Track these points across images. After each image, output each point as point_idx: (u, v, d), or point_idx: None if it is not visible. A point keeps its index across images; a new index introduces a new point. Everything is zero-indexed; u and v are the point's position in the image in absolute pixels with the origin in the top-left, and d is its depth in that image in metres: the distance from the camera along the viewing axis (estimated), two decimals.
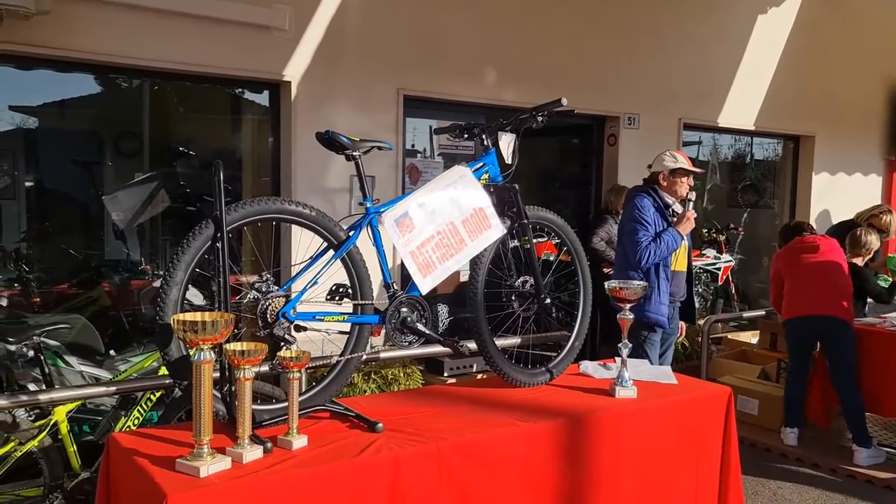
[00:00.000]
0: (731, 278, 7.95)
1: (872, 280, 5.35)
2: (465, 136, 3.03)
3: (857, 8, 7.89)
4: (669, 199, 4.29)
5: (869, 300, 5.59)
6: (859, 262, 5.31)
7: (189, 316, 1.91)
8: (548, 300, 3.08)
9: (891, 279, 5.87)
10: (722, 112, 7.06)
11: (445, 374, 5.00)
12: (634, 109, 6.37)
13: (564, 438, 2.71)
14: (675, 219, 4.24)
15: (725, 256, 7.95)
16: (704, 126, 7.25)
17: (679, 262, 4.34)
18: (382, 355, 3.77)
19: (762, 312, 6.53)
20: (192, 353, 1.91)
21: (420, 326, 2.64)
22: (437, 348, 3.29)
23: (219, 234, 2.12)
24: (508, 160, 2.98)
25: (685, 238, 4.29)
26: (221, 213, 2.13)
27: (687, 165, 4.23)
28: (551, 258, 6.09)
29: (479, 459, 2.45)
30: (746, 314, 6.75)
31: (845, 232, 5.77)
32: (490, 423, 2.61)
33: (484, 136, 2.94)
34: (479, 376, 4.82)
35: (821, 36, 7.68)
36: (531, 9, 5.79)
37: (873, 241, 5.36)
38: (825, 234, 6.73)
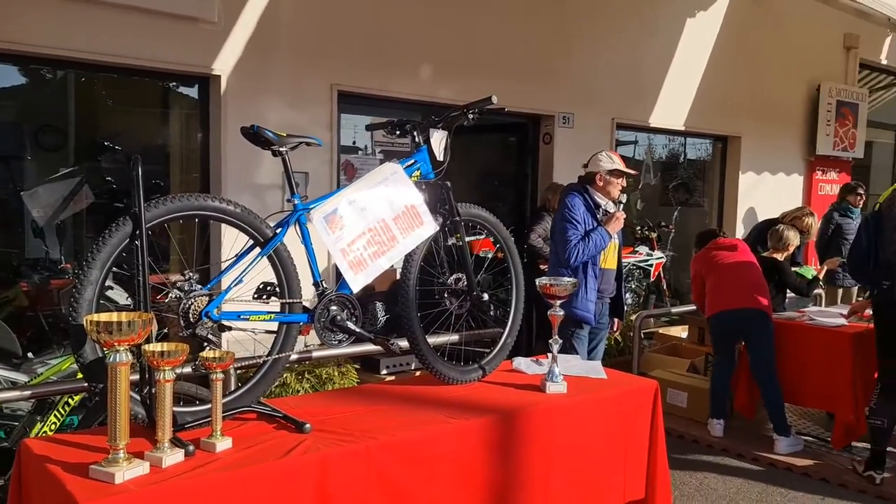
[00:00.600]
0: (662, 275, 8.15)
1: (791, 273, 5.57)
2: (398, 132, 3.01)
3: (782, 12, 8.18)
4: (601, 199, 4.35)
5: (789, 294, 5.82)
6: (779, 256, 5.53)
7: (104, 316, 1.83)
8: (485, 297, 3.10)
9: (814, 269, 6.13)
10: (653, 112, 7.22)
11: (382, 373, 4.96)
12: (569, 109, 6.45)
13: (496, 434, 2.73)
14: (605, 218, 4.30)
15: (657, 253, 8.15)
16: (636, 126, 7.41)
17: (608, 261, 4.41)
18: (315, 354, 3.72)
19: (692, 308, 6.71)
20: (107, 354, 1.84)
21: (350, 325, 2.62)
22: (369, 347, 3.26)
23: (137, 232, 2.05)
24: (440, 157, 2.98)
25: (615, 237, 4.36)
26: (140, 209, 2.06)
27: (622, 167, 4.30)
28: (489, 255, 6.15)
29: (409, 458, 2.44)
30: (676, 309, 6.91)
31: (769, 229, 5.99)
32: (421, 421, 2.61)
33: (415, 133, 2.92)
34: (417, 374, 4.81)
35: (747, 39, 7.94)
36: (469, 7, 5.81)
37: (793, 237, 5.59)
38: (751, 231, 7.00)
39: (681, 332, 7.19)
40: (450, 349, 3.32)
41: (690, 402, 5.52)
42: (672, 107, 7.38)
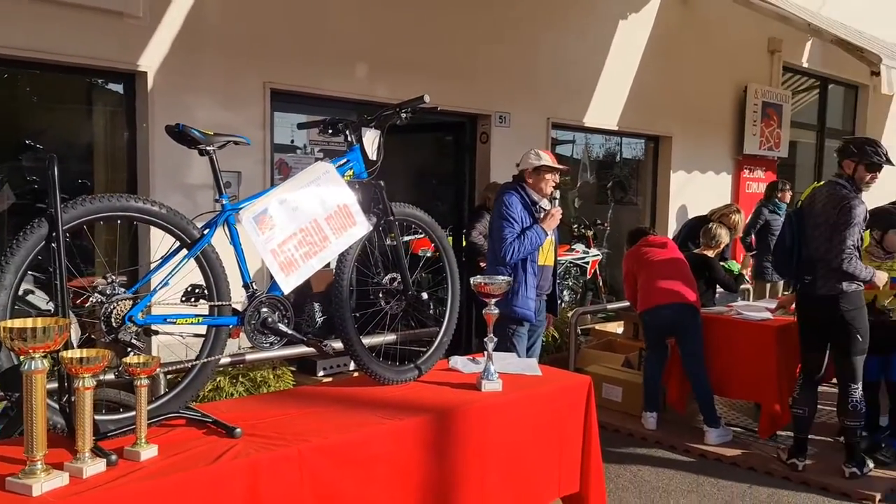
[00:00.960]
0: (598, 272, 8.30)
1: (721, 270, 5.75)
2: (330, 131, 2.98)
3: (709, 16, 8.42)
4: (536, 197, 4.38)
5: (719, 289, 6.00)
6: (710, 253, 5.70)
7: (17, 322, 1.76)
8: (424, 296, 3.10)
9: (739, 265, 6.36)
10: (587, 112, 7.34)
11: (319, 375, 4.92)
12: (505, 108, 6.50)
13: (431, 434, 2.73)
14: (542, 215, 4.34)
15: (593, 251, 8.29)
16: (572, 126, 7.52)
17: (546, 257, 4.44)
18: (248, 357, 3.66)
19: (627, 304, 6.85)
20: (22, 362, 1.77)
21: (282, 327, 2.58)
22: (303, 349, 3.21)
23: (54, 234, 1.97)
24: (373, 157, 2.96)
25: (552, 234, 4.41)
26: (57, 210, 1.98)
27: (551, 163, 4.33)
28: (427, 254, 6.14)
29: (343, 460, 2.42)
30: (612, 305, 7.04)
31: (699, 226, 6.18)
32: (356, 423, 2.59)
33: (348, 133, 2.90)
34: (355, 375, 4.77)
35: (677, 42, 8.14)
36: (406, 5, 5.79)
37: (724, 235, 5.77)
38: (681, 228, 7.20)
39: (616, 328, 7.35)
40: (393, 349, 3.32)
41: (625, 396, 5.63)
42: (606, 107, 7.51)
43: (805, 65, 10.26)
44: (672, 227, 8.25)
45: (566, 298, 7.84)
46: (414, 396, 2.94)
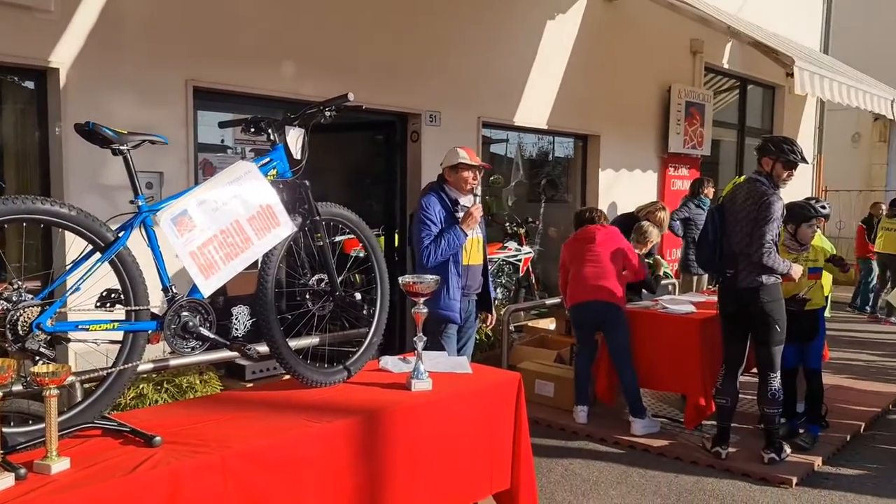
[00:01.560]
0: (531, 269, 8.39)
1: (647, 269, 5.88)
2: (253, 130, 2.92)
3: (634, 17, 8.61)
4: (457, 195, 4.34)
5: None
6: (639, 251, 5.82)
7: None
8: (357, 296, 3.06)
9: (667, 264, 6.53)
10: (517, 111, 7.41)
11: (248, 379, 4.81)
12: (436, 107, 6.50)
13: (360, 435, 2.71)
14: (462, 215, 4.28)
15: (526, 248, 8.38)
16: (502, 125, 7.57)
17: (472, 256, 4.38)
18: (173, 363, 3.55)
19: (559, 300, 6.95)
20: None
21: (204, 331, 2.51)
22: (226, 353, 3.14)
23: None
24: (297, 156, 2.92)
25: (476, 231, 4.37)
26: None
27: (469, 160, 4.27)
28: (361, 255, 6.09)
29: (269, 465, 2.38)
30: (545, 301, 7.12)
31: (626, 223, 6.30)
32: (282, 427, 2.55)
33: (270, 131, 2.85)
34: (286, 378, 4.68)
35: (603, 42, 8.30)
36: (335, 2, 5.72)
37: (654, 234, 5.92)
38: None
39: (549, 324, 7.44)
40: (327, 350, 3.27)
41: (557, 391, 5.71)
42: (535, 106, 7.60)
43: (725, 66, 10.62)
44: None
45: (499, 297, 7.89)
46: (343, 398, 2.91)
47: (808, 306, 4.86)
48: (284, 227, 2.76)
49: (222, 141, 6.36)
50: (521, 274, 8.34)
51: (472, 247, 4.36)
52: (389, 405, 2.84)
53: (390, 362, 3.44)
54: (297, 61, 5.43)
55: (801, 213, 4.91)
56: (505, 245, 8.20)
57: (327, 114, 2.87)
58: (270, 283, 2.75)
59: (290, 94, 5.28)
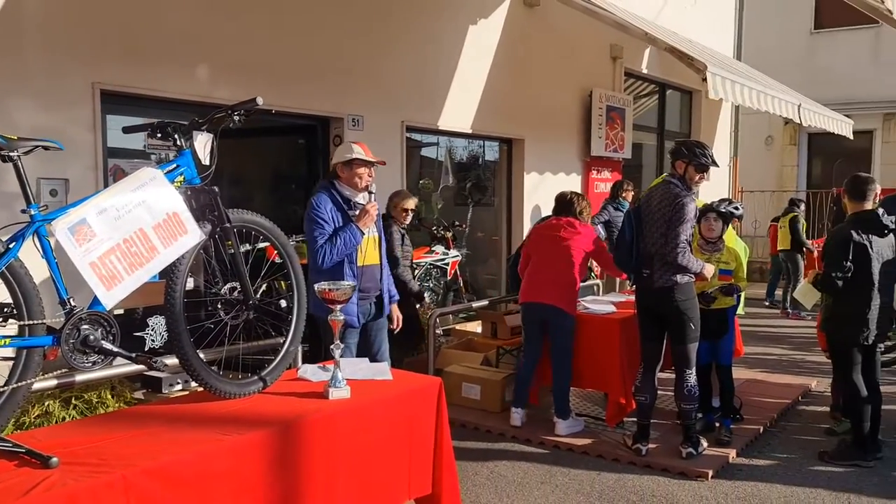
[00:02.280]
0: (459, 272, 8.42)
1: None
2: (159, 135, 2.83)
3: (555, 23, 8.76)
4: (350, 193, 4.14)
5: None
6: None
7: None
8: (283, 303, 2.99)
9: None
10: (442, 115, 7.43)
11: (165, 391, 4.65)
12: (358, 111, 6.45)
13: (275, 446, 2.65)
14: (358, 213, 4.11)
15: (453, 252, 8.40)
16: (426, 129, 7.58)
17: (368, 256, 4.20)
18: (79, 378, 3.39)
19: (485, 303, 7.00)
20: None
21: (106, 345, 2.42)
22: (132, 367, 3.02)
23: None
24: (206, 161, 2.84)
25: (373, 231, 4.22)
26: None
27: (364, 156, 4.10)
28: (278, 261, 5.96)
29: (176, 482, 2.30)
30: (472, 305, 7.14)
31: None
32: (192, 441, 2.47)
33: (177, 137, 2.77)
34: (201, 390, 4.55)
35: (525, 47, 8.41)
36: (253, 4, 5.61)
37: None
38: (534, 226, 7.40)
39: (477, 327, 7.47)
40: (247, 360, 3.18)
41: (483, 394, 5.74)
42: (459, 110, 7.63)
43: (645, 71, 10.91)
44: (527, 228, 8.50)
45: (427, 300, 7.89)
46: (257, 409, 2.85)
47: (718, 305, 5.02)
48: (193, 235, 2.68)
49: (145, 147, 6.14)
50: (448, 278, 8.36)
51: (368, 246, 4.18)
52: (306, 415, 2.80)
53: (309, 371, 3.38)
54: (213, 64, 5.30)
55: (702, 211, 5.08)
56: (432, 249, 8.20)
57: (236, 118, 2.81)
58: (179, 294, 2.67)
59: (206, 98, 5.14)
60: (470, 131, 7.90)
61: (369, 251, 4.20)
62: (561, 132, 9.23)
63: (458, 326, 7.62)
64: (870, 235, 4.56)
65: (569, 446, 4.97)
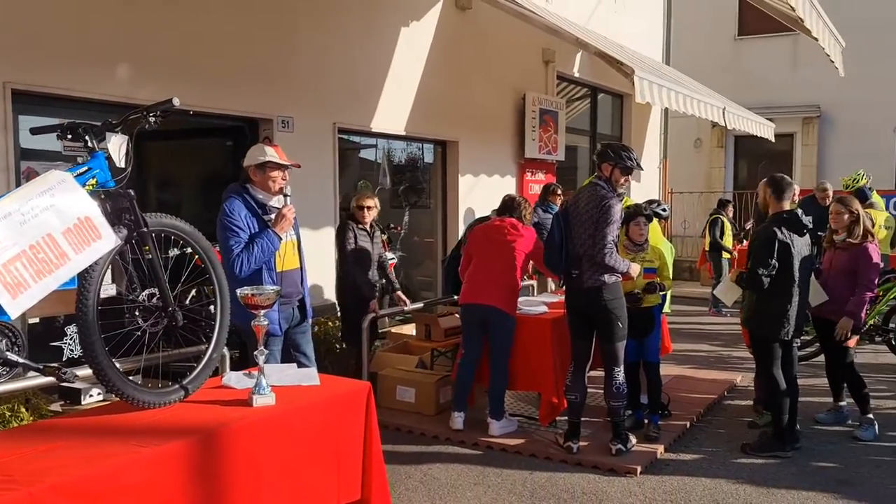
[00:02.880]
0: (395, 275, 8.36)
1: None
2: (70, 137, 2.72)
3: (488, 26, 8.83)
4: (264, 196, 3.99)
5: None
6: None
7: None
8: (212, 308, 2.90)
9: None
10: (374, 117, 7.39)
11: (84, 402, 4.48)
12: (288, 112, 6.36)
13: (195, 457, 2.58)
14: (273, 218, 3.96)
15: (388, 254, 8.35)
16: (359, 131, 7.53)
17: (287, 261, 4.06)
18: None
19: (420, 305, 6.98)
20: None
21: (11, 356, 2.31)
22: (40, 380, 2.89)
23: None
24: (121, 164, 2.74)
25: (291, 234, 4.09)
26: None
27: (277, 158, 3.95)
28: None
29: (89, 497, 2.21)
30: (405, 308, 7.10)
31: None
32: (106, 454, 2.38)
33: (88, 138, 2.66)
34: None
35: (458, 50, 8.45)
36: (178, 2, 5.46)
37: None
38: (466, 229, 7.44)
39: (412, 329, 7.45)
40: (172, 369, 3.08)
41: (418, 396, 5.73)
42: (392, 112, 7.61)
43: (577, 75, 11.11)
44: (462, 229, 8.53)
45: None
46: (177, 418, 2.77)
47: (644, 304, 5.13)
48: (107, 241, 2.58)
49: (63, 149, 5.92)
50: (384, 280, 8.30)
51: (287, 251, 4.05)
52: (228, 423, 2.73)
53: (234, 378, 3.31)
54: (134, 64, 5.14)
55: (627, 214, 5.19)
56: None
57: (151, 119, 2.72)
58: (91, 301, 2.56)
59: (126, 99, 4.98)
60: (404, 133, 7.89)
61: (288, 256, 4.06)
62: (495, 134, 9.31)
63: (393, 329, 7.59)
64: (791, 234, 4.73)
65: (502, 447, 5.00)
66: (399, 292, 6.44)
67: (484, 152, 9.10)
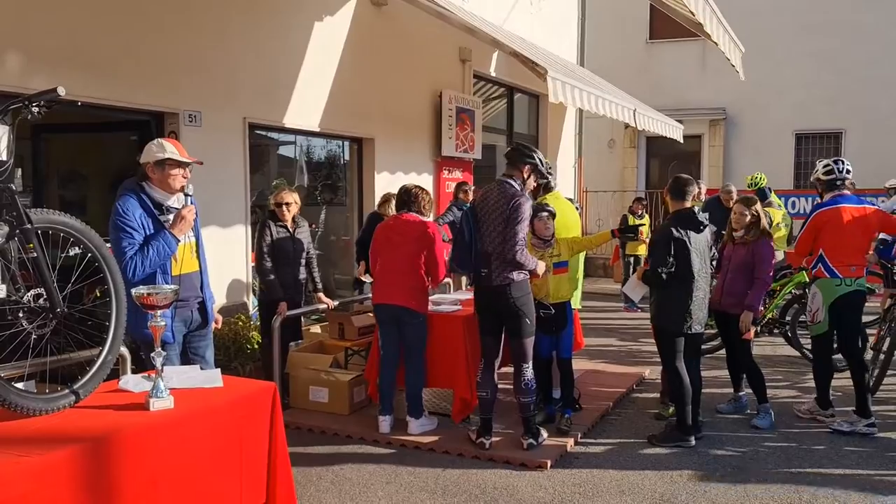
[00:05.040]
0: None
1: None
2: None
3: (404, 24, 8.79)
4: (162, 196, 3.74)
5: None
6: None
7: None
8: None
9: None
10: (287, 113, 7.24)
11: None
12: (195, 107, 6.15)
13: (84, 465, 2.46)
14: (171, 219, 3.74)
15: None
16: (271, 126, 7.36)
17: (186, 264, 3.85)
18: None
19: (335, 303, 6.89)
20: None
21: None
22: None
23: None
24: (2, 156, 2.59)
25: (190, 236, 3.87)
26: None
27: (177, 155, 3.71)
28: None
29: None
30: (319, 307, 6.99)
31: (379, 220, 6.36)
32: None
33: None
34: None
35: (374, 47, 8.38)
36: None
37: None
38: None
39: (326, 329, 7.35)
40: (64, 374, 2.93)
41: (331, 396, 5.66)
42: (306, 108, 7.48)
43: (493, 74, 11.20)
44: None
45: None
46: (66, 425, 2.64)
47: (556, 300, 5.22)
48: None
49: None
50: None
51: (185, 253, 3.84)
52: (121, 428, 2.62)
53: (131, 381, 3.18)
54: (26, 52, 4.86)
55: (533, 209, 5.27)
56: None
57: (34, 109, 2.57)
58: None
59: (17, 89, 4.69)
60: (318, 130, 7.76)
61: (186, 258, 3.85)
62: (412, 132, 9.28)
63: (309, 329, 7.47)
64: (688, 231, 4.91)
65: (415, 444, 4.99)
66: (320, 294, 6.33)
67: (400, 150, 9.06)
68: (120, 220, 3.63)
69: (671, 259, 4.85)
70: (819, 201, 5.57)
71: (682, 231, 4.89)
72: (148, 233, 3.67)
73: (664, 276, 4.85)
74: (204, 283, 4.04)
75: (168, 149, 3.71)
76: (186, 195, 3.80)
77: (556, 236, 5.32)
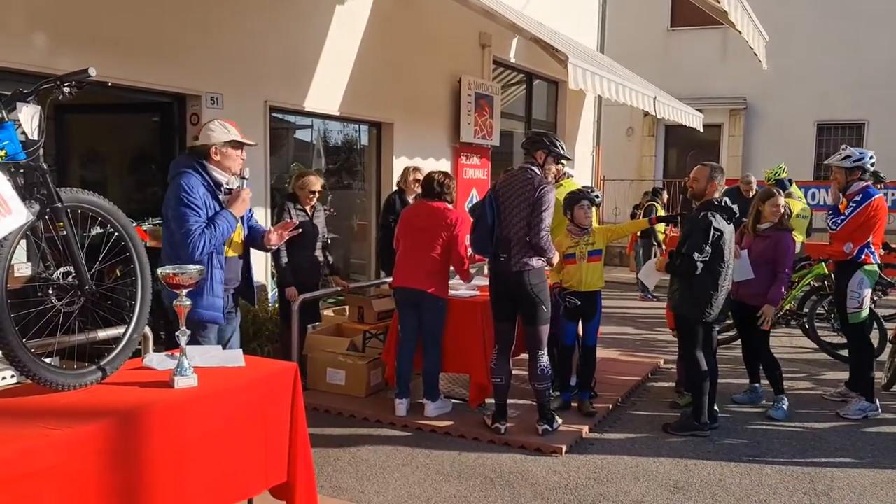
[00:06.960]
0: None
1: None
2: None
3: (425, 8, 8.76)
4: (222, 177, 3.78)
5: None
6: None
7: None
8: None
9: None
10: (308, 97, 7.26)
11: None
12: (218, 89, 6.18)
13: (111, 439, 2.51)
14: (229, 198, 3.79)
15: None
16: (291, 110, 7.38)
17: (234, 247, 3.91)
18: None
19: (351, 286, 6.93)
20: None
21: None
22: None
23: None
24: (34, 136, 2.62)
25: (239, 219, 3.91)
26: None
27: (240, 137, 3.79)
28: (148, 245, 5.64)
29: None
30: (339, 289, 7.04)
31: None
32: (13, 437, 2.29)
33: None
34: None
35: (394, 31, 8.37)
36: None
37: None
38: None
39: (345, 312, 7.40)
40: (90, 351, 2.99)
41: (348, 379, 5.71)
42: (326, 92, 7.50)
43: (513, 60, 11.15)
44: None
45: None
46: (94, 400, 2.69)
47: (588, 287, 5.23)
48: (17, 216, 2.47)
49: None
50: None
51: (235, 236, 3.89)
52: (147, 405, 2.66)
53: (155, 359, 3.23)
54: (54, 33, 4.91)
55: (571, 198, 5.28)
56: None
57: (66, 90, 2.60)
58: (2, 279, 2.46)
59: (44, 69, 4.74)
60: (338, 114, 7.78)
61: (235, 241, 3.92)
62: (431, 117, 9.28)
63: (327, 312, 7.52)
64: (723, 221, 4.86)
65: (432, 428, 5.03)
66: (336, 276, 6.40)
67: (419, 135, 9.06)
68: (187, 196, 3.64)
69: (707, 248, 4.77)
70: (859, 189, 5.41)
71: (720, 220, 4.83)
72: (210, 213, 3.70)
73: (699, 264, 4.77)
74: (249, 267, 4.10)
75: (232, 131, 3.76)
76: (243, 178, 3.85)
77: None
